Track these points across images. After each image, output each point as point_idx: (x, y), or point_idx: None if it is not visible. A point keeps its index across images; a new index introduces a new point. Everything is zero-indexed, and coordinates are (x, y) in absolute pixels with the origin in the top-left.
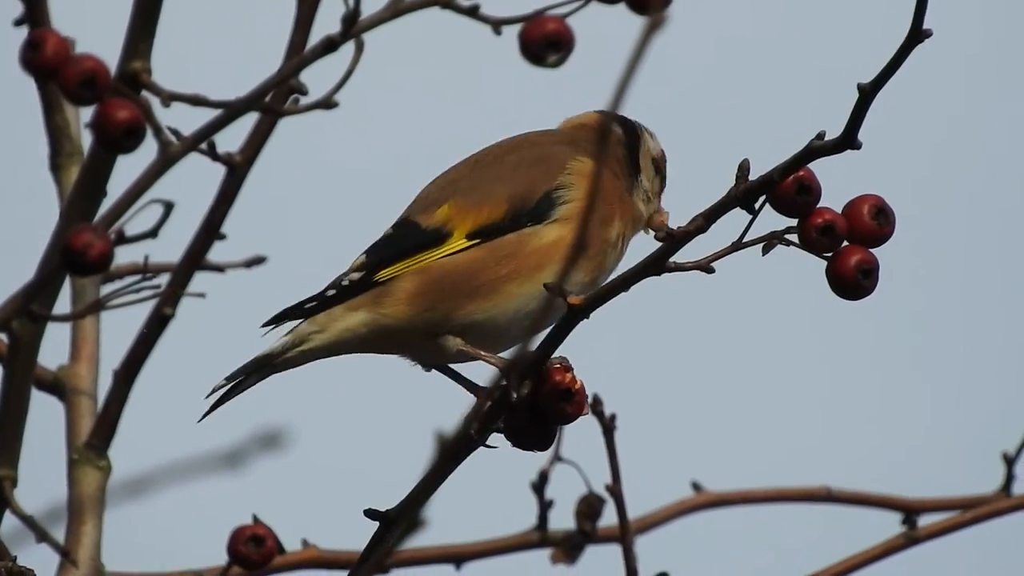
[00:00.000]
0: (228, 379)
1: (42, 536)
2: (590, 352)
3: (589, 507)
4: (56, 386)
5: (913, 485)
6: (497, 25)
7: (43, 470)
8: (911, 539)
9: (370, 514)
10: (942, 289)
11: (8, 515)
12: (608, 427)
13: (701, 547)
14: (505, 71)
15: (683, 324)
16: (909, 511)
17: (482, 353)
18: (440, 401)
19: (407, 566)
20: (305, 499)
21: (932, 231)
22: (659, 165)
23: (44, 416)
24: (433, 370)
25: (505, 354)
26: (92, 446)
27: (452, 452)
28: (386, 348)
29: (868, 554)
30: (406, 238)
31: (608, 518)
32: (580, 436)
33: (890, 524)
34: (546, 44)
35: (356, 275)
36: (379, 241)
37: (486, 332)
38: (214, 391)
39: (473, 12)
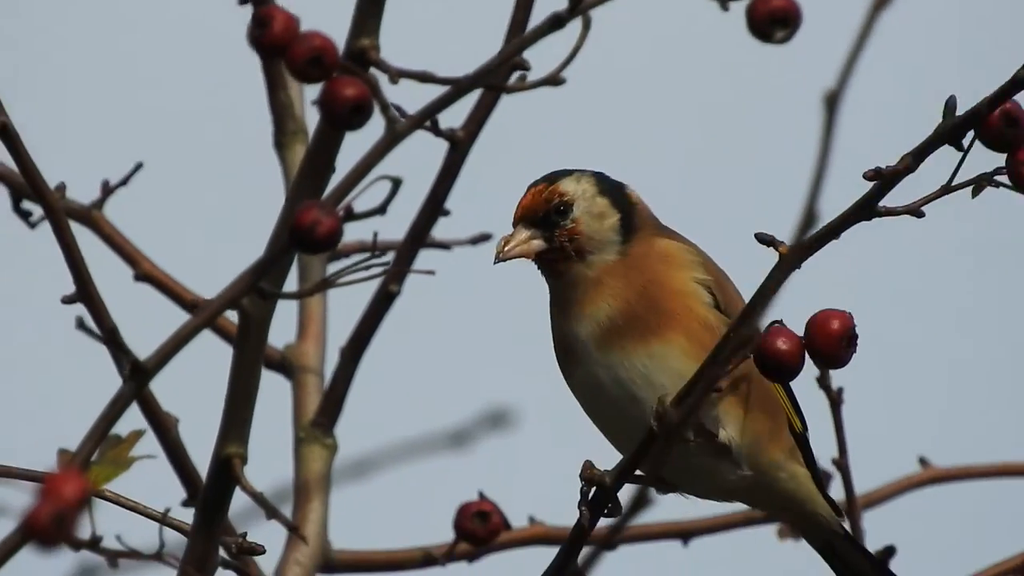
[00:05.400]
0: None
1: (271, 513)
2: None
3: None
4: (283, 364)
5: None
6: (725, 1)
7: (271, 449)
8: None
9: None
10: None
11: (238, 493)
12: (835, 400)
13: (927, 522)
14: (731, 45)
15: (903, 287)
16: None
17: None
18: None
19: (634, 542)
20: (531, 477)
21: None
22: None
23: (272, 395)
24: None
25: None
26: (319, 424)
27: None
28: None
29: None
30: None
31: (835, 493)
32: (806, 410)
33: None
34: (772, 20)
35: None
36: None
37: None
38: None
39: None
